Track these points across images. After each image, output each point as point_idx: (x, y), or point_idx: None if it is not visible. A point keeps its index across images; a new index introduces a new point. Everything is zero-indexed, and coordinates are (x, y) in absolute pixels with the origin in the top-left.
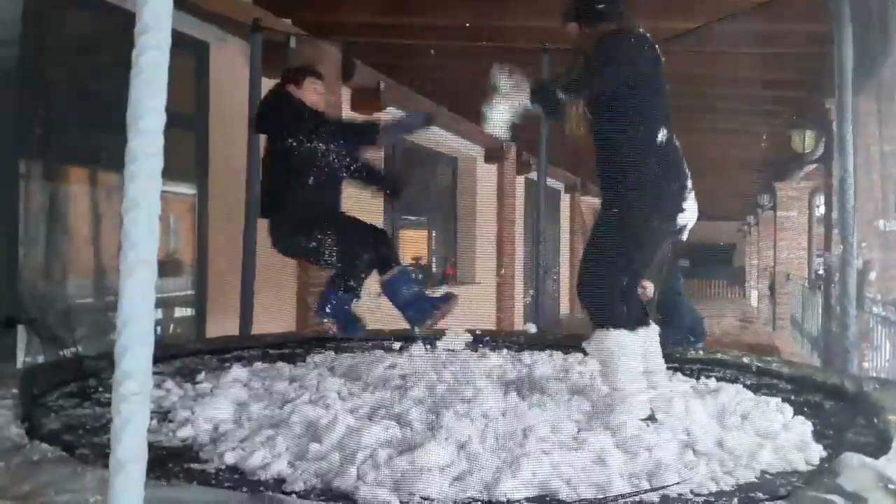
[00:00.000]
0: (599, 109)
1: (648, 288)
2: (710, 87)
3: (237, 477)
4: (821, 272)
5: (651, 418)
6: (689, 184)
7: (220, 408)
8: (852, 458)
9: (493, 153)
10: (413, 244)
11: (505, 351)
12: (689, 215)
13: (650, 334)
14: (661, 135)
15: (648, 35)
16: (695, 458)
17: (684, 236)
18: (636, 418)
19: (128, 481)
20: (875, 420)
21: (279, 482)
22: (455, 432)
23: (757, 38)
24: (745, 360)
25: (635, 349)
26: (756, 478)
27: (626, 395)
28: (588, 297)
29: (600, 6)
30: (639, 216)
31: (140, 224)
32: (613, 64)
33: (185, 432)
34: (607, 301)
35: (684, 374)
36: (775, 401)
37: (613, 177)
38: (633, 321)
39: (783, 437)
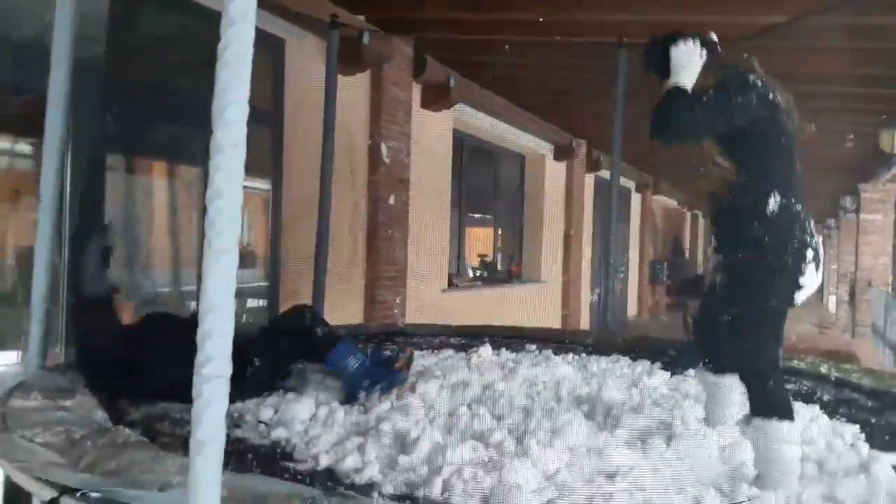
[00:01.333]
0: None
1: None
2: (793, 84)
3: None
4: None
5: None
6: (812, 253)
7: (304, 409)
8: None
9: (563, 151)
10: (479, 242)
11: (571, 356)
12: (807, 291)
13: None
14: (774, 199)
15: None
16: None
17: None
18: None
19: (207, 461)
20: None
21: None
22: (540, 461)
23: (845, 33)
24: (823, 369)
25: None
26: None
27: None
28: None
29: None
30: (753, 293)
31: (224, 213)
32: (733, 92)
33: (278, 433)
34: (774, 388)
35: None
36: (852, 430)
37: (728, 247)
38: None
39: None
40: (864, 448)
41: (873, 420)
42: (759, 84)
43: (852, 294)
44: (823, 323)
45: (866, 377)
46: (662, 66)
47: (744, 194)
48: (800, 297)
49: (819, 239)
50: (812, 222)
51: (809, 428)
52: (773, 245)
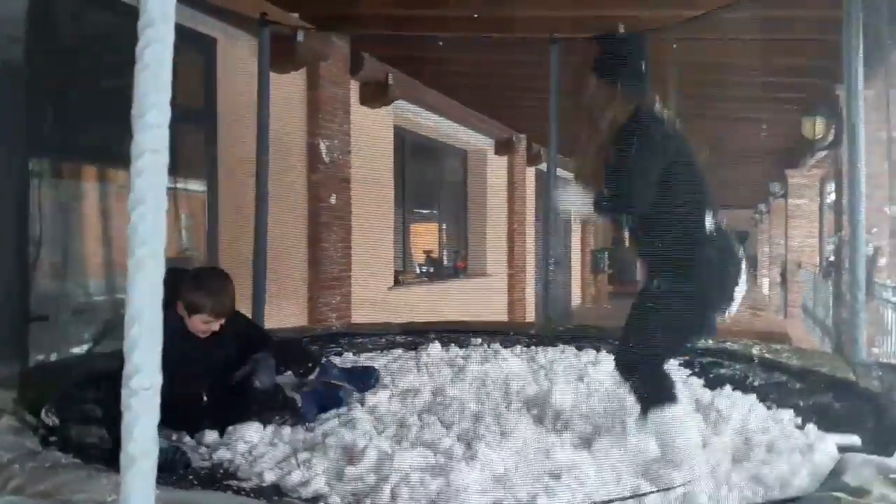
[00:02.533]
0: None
1: None
2: (720, 75)
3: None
4: (832, 259)
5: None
6: (737, 265)
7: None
8: (855, 457)
9: (504, 145)
10: (423, 238)
11: (518, 348)
12: (737, 302)
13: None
14: (710, 219)
15: (657, 106)
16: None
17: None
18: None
19: (139, 476)
20: (888, 409)
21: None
22: (487, 461)
23: (767, 25)
24: (755, 351)
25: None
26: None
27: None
28: (636, 378)
29: (623, 65)
30: (689, 306)
31: (147, 220)
32: (650, 152)
33: (221, 454)
34: (657, 383)
35: (695, 371)
36: (788, 414)
37: (661, 266)
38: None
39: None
40: (811, 430)
41: (801, 403)
42: (667, 124)
43: (783, 276)
44: (757, 305)
45: (796, 357)
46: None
47: (680, 216)
48: (731, 307)
49: (742, 249)
50: (732, 236)
51: (748, 417)
52: (717, 258)
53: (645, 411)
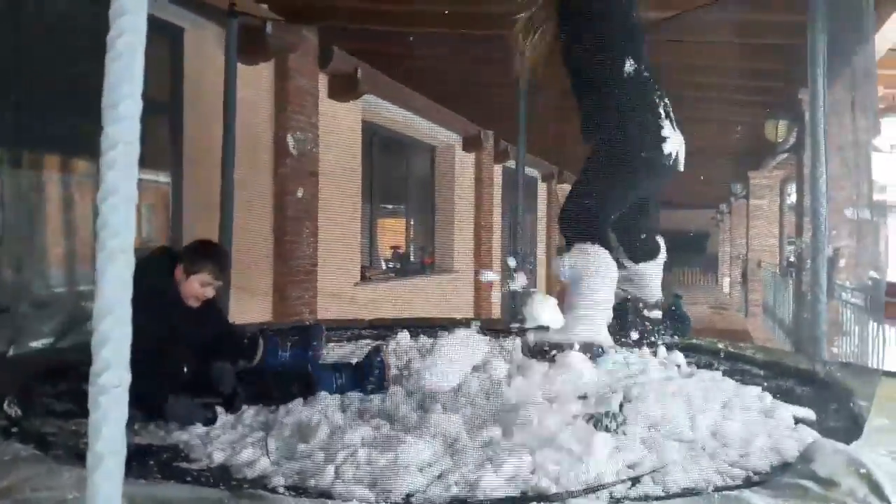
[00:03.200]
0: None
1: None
2: (683, 76)
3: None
4: (792, 260)
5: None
6: (663, 111)
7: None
8: (825, 444)
9: (471, 141)
10: (391, 233)
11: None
12: (672, 143)
13: (652, 268)
14: (629, 65)
15: None
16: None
17: (680, 167)
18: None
19: (106, 476)
20: (847, 405)
21: (262, 479)
22: (441, 429)
23: (732, 28)
24: (720, 346)
25: (611, 272)
26: (735, 465)
27: (583, 316)
28: (569, 225)
29: None
30: (619, 148)
31: (118, 212)
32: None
33: (177, 436)
34: (592, 227)
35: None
36: (756, 389)
37: (589, 113)
38: (645, 254)
39: (768, 424)
40: (768, 397)
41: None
42: None
43: (744, 275)
44: (719, 304)
45: (759, 353)
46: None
47: (602, 62)
48: (666, 147)
49: (666, 100)
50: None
51: (713, 384)
52: (637, 101)
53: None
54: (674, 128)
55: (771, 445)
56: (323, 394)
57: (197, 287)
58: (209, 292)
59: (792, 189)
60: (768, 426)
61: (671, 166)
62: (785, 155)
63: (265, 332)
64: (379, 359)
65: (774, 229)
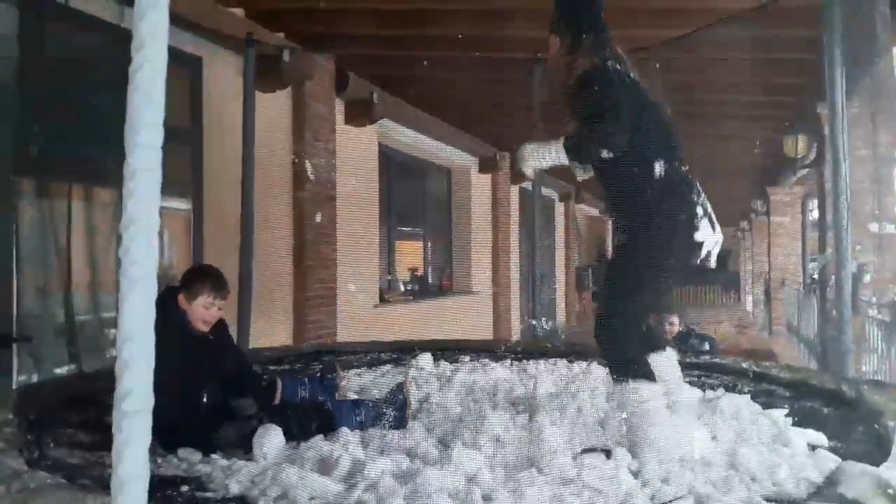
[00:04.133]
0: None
1: (675, 323)
2: (702, 93)
3: None
4: (815, 276)
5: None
6: (701, 210)
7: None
8: (853, 467)
9: (487, 163)
10: (409, 256)
11: (508, 362)
12: (707, 245)
13: (665, 359)
14: (659, 165)
15: (619, 55)
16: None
17: (711, 262)
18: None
19: (130, 500)
20: (874, 425)
21: None
22: (464, 463)
23: (749, 44)
24: (745, 366)
25: (661, 398)
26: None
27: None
28: (609, 343)
29: (579, 17)
30: (650, 251)
31: (139, 240)
32: (618, 94)
33: (199, 468)
34: (629, 348)
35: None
36: (779, 413)
37: (621, 214)
38: (651, 348)
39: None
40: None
41: (790, 407)
42: (625, 71)
43: (767, 294)
44: (742, 323)
45: (784, 372)
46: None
47: (630, 165)
48: (701, 245)
49: (704, 197)
50: (697, 183)
51: (741, 412)
52: (669, 202)
53: (619, 378)
54: (713, 227)
55: (790, 474)
56: (344, 430)
57: (202, 310)
58: (214, 313)
59: (813, 205)
60: (783, 455)
61: (701, 266)
62: (805, 170)
63: (283, 374)
64: (401, 397)
65: (797, 246)
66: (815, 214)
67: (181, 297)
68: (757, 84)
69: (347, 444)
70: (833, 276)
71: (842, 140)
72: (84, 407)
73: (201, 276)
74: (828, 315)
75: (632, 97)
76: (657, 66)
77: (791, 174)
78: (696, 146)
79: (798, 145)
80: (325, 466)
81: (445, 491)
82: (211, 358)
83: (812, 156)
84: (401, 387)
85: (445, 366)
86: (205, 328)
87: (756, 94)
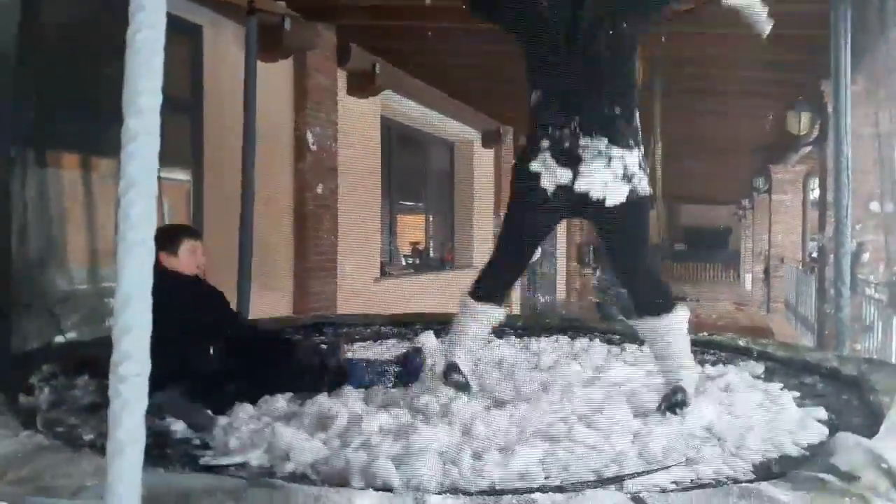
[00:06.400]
0: None
1: None
2: (704, 69)
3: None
4: (815, 255)
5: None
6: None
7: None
8: (847, 438)
9: (490, 137)
10: (411, 229)
11: (512, 338)
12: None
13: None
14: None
15: None
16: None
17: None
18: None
19: (126, 464)
20: (867, 400)
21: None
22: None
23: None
24: (742, 343)
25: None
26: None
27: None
28: (645, 282)
29: None
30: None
31: (138, 205)
32: None
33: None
34: (661, 282)
35: None
36: (777, 386)
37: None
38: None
39: (784, 420)
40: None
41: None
42: None
43: (766, 271)
44: (741, 300)
45: (781, 350)
46: None
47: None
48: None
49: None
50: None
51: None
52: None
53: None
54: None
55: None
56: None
57: (189, 256)
58: (200, 255)
59: (815, 183)
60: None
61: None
62: (808, 148)
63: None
64: (418, 359)
65: (797, 224)
66: (817, 193)
67: (163, 256)
68: (761, 60)
69: (347, 400)
70: (832, 255)
71: (845, 118)
72: (81, 371)
73: (170, 231)
74: (826, 293)
75: None
76: (662, 39)
77: (794, 152)
78: (699, 122)
79: (801, 122)
80: (323, 422)
81: (437, 448)
82: (218, 301)
83: (815, 133)
84: (417, 350)
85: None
86: (199, 271)
87: (760, 71)
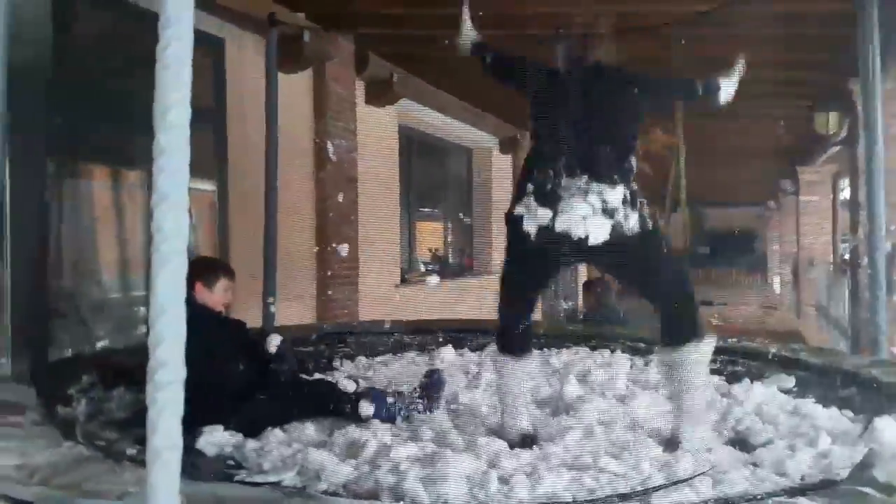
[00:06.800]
0: None
1: None
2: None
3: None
4: (846, 257)
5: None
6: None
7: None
8: (885, 450)
9: (509, 143)
10: (429, 236)
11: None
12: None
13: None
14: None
15: None
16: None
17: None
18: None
19: (165, 469)
20: None
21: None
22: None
23: (778, 19)
24: (773, 350)
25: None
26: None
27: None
28: (683, 308)
29: None
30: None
31: (170, 217)
32: None
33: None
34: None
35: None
36: (809, 402)
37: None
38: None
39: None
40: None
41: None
42: None
43: (795, 274)
44: (769, 304)
45: (814, 356)
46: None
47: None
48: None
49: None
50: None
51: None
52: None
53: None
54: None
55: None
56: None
57: (222, 294)
58: (230, 296)
59: (845, 183)
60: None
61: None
62: (836, 148)
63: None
64: (436, 377)
65: (827, 226)
66: (847, 193)
67: (199, 288)
68: (786, 60)
69: (377, 431)
70: (865, 257)
71: (877, 116)
72: (118, 381)
73: (213, 265)
74: (860, 296)
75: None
76: (683, 41)
77: (821, 152)
78: (725, 126)
79: (829, 122)
80: (352, 450)
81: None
82: (241, 334)
83: (843, 133)
84: (434, 373)
85: (469, 356)
86: (224, 308)
87: (785, 71)
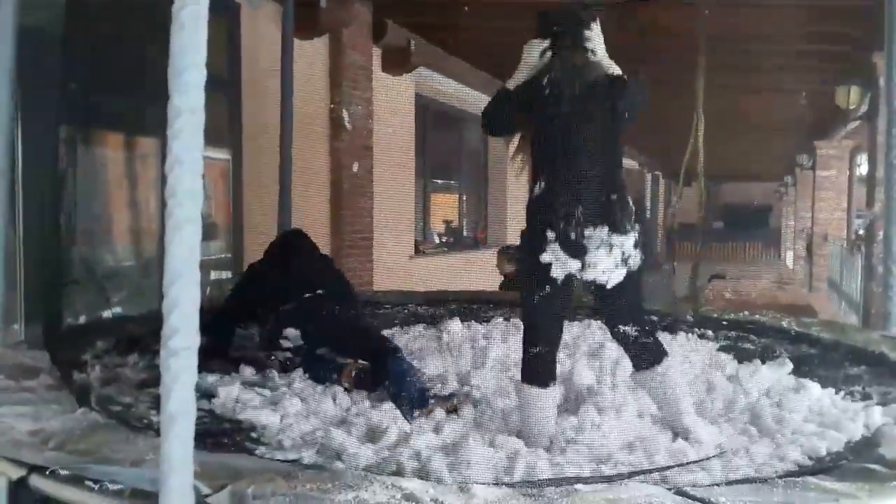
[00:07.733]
0: None
1: None
2: (747, 43)
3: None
4: (861, 233)
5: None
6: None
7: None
8: (893, 428)
9: None
10: (443, 208)
11: None
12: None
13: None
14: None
15: None
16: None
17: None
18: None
19: (178, 435)
20: None
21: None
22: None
23: None
24: (784, 324)
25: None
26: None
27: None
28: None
29: None
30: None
31: (185, 181)
32: None
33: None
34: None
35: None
36: (815, 386)
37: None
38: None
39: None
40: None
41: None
42: None
43: (809, 249)
44: (782, 279)
45: (825, 331)
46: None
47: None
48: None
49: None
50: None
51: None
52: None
53: (651, 364)
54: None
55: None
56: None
57: None
58: None
59: (862, 159)
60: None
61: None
62: (856, 123)
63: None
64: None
65: (842, 201)
66: (864, 169)
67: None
68: (807, 33)
69: (396, 418)
70: (881, 233)
71: None
72: (132, 347)
73: None
74: (873, 272)
75: None
76: (706, 12)
77: (841, 127)
78: (741, 99)
79: (850, 96)
80: (372, 434)
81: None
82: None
83: (865, 107)
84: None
85: (476, 328)
86: None
87: (806, 44)
